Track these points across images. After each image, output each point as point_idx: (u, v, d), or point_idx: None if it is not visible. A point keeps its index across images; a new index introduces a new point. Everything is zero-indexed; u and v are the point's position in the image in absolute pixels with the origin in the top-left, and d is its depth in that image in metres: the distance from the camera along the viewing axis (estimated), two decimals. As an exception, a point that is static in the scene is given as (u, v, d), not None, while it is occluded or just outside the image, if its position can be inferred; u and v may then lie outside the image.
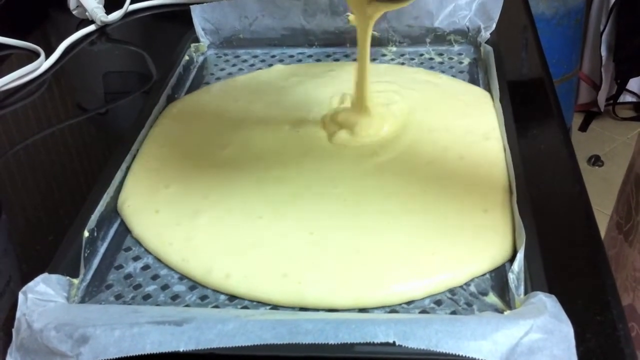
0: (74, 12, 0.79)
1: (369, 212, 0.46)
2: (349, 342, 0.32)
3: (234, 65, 0.67)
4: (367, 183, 0.49)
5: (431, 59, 0.65)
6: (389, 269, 0.41)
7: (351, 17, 0.66)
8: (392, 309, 0.39)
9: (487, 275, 0.41)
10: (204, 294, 0.41)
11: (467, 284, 0.40)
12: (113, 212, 0.48)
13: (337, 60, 0.67)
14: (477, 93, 0.58)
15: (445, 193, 0.47)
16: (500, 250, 0.42)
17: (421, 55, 0.66)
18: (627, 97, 1.88)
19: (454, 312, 0.39)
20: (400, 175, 0.49)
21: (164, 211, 0.47)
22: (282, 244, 0.44)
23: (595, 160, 1.79)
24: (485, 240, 0.42)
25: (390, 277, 0.41)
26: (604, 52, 1.75)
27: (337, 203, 0.47)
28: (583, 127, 1.90)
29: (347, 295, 0.40)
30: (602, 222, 0.77)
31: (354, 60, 0.65)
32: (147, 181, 0.50)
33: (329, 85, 0.61)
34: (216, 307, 0.40)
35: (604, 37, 1.73)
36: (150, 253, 0.45)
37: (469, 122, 0.54)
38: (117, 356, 0.33)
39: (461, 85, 0.60)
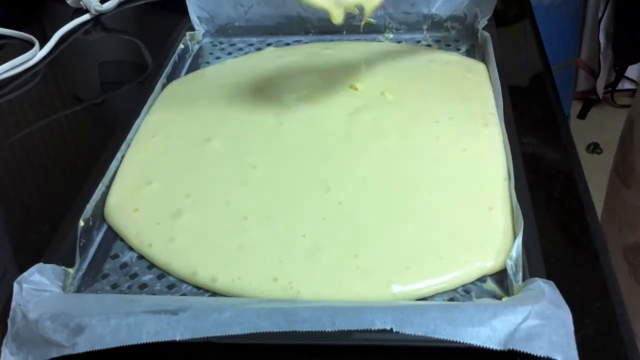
0: (68, 1, 0.79)
1: (367, 215, 0.43)
2: (346, 330, 0.32)
3: (229, 53, 0.67)
4: (364, 186, 0.46)
5: (428, 45, 0.65)
6: (391, 274, 0.39)
7: None
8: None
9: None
10: (201, 283, 0.41)
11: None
12: (109, 201, 0.48)
13: (333, 48, 0.66)
14: (479, 69, 0.58)
15: (450, 191, 0.45)
16: (507, 247, 0.40)
17: (418, 42, 0.66)
18: (625, 85, 1.87)
19: (452, 299, 0.38)
20: (400, 174, 0.47)
21: (143, 209, 0.46)
22: (271, 246, 0.42)
23: (594, 148, 1.78)
24: (493, 240, 0.41)
25: (392, 283, 0.39)
26: (602, 40, 1.74)
27: (330, 204, 0.44)
28: (582, 115, 1.89)
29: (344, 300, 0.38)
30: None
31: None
32: (131, 176, 0.49)
33: (317, 68, 0.60)
34: (213, 295, 0.40)
35: (602, 24, 1.72)
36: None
37: (470, 107, 0.53)
38: (113, 346, 0.32)
39: (464, 61, 0.60)
